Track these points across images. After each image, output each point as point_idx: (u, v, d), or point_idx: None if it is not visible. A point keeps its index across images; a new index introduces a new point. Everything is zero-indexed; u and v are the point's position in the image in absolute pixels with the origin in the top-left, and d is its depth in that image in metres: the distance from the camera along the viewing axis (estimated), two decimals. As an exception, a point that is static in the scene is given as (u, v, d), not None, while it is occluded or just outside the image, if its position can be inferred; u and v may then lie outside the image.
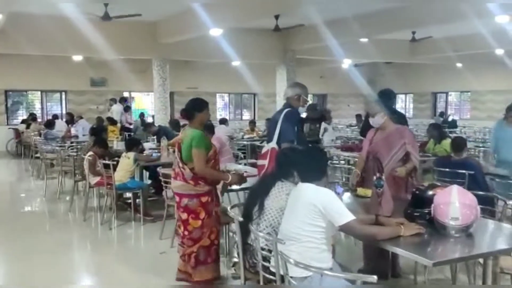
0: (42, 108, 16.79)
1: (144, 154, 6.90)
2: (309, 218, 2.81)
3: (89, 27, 10.05)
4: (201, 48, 12.12)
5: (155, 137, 9.93)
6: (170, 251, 5.33)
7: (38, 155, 10.44)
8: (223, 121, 11.06)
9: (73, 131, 12.07)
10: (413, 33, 12.61)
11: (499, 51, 13.94)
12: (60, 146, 9.78)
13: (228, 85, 19.10)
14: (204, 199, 4.02)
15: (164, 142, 7.65)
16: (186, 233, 4.08)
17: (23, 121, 14.78)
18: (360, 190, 3.89)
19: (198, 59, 14.56)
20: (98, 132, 7.43)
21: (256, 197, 3.25)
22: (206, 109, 4.16)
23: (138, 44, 11.60)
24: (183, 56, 12.98)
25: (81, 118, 13.70)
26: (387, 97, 5.95)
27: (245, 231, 3.21)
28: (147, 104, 18.88)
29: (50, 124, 11.83)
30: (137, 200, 6.60)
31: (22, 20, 10.16)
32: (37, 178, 10.15)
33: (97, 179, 6.71)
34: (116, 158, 7.24)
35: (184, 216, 4.04)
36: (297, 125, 4.45)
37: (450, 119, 17.58)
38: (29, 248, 5.56)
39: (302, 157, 3.22)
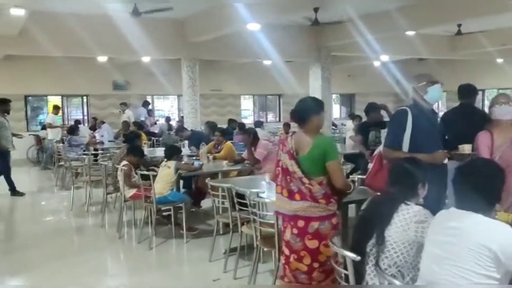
0: (63, 113, 16.18)
1: (184, 162, 6.13)
2: (480, 267, 1.97)
3: (116, 25, 9.37)
4: (231, 47, 11.38)
5: (186, 142, 9.21)
6: (225, 277, 4.55)
7: (62, 163, 9.77)
8: (258, 124, 10.25)
9: (97, 136, 11.40)
10: (459, 25, 11.70)
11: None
12: (86, 154, 9.11)
13: (253, 86, 18.34)
14: (334, 220, 3.23)
15: (203, 148, 6.89)
16: (315, 265, 3.23)
17: (43, 127, 14.16)
18: (502, 215, 2.98)
19: (228, 59, 13.80)
20: (132, 139, 6.69)
21: (371, 226, 2.43)
22: (323, 111, 3.36)
23: (166, 43, 10.88)
24: (213, 55, 12.23)
25: (103, 122, 13.05)
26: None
27: (358, 273, 2.40)
28: (166, 107, 18.22)
29: (73, 129, 11.16)
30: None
31: (44, 18, 9.53)
32: (62, 188, 9.47)
33: (133, 191, 5.96)
34: (152, 167, 6.53)
35: (314, 244, 3.19)
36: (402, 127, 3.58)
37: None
38: (57, 275, 4.81)
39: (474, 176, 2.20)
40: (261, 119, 19.01)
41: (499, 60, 16.51)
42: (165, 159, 5.84)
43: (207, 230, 6.07)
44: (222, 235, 5.82)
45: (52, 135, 11.72)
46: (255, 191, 4.07)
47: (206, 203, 7.16)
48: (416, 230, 2.33)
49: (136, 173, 5.88)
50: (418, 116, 3.57)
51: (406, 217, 2.38)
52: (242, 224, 4.53)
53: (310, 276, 3.24)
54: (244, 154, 6.56)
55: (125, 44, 9.88)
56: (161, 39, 10.73)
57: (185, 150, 8.18)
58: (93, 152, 9.61)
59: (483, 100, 19.93)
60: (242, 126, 10.48)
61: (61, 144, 10.30)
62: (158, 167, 6.46)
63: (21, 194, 8.63)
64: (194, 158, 7.10)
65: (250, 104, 20.04)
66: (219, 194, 4.69)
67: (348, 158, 8.96)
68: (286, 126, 11.77)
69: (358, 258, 2.29)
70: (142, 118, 13.20)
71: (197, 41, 10.93)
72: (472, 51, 14.17)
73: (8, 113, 8.70)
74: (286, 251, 3.32)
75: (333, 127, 14.96)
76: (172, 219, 5.81)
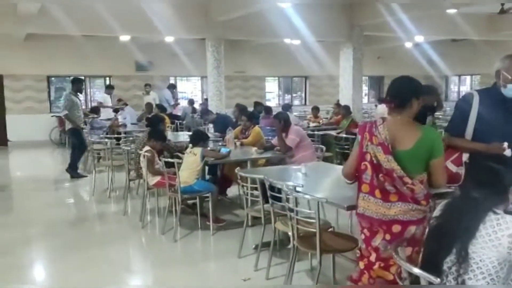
0: (86, 95, 15.95)
1: (210, 149, 5.72)
2: None
3: (138, 3, 8.95)
4: (259, 26, 10.84)
5: (210, 126, 8.82)
6: (256, 276, 4.16)
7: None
8: (286, 107, 9.75)
9: (120, 119, 11.09)
10: (502, 4, 10.91)
11: None
12: (108, 137, 8.80)
13: (277, 68, 17.77)
14: (426, 223, 2.71)
15: (230, 133, 6.47)
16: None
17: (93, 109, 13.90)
18: None
19: (255, 38, 13.25)
20: (154, 123, 6.30)
21: (450, 239, 1.98)
22: (422, 95, 2.85)
23: (190, 22, 10.40)
24: (239, 35, 11.71)
25: (126, 105, 12.74)
26: None
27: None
28: (189, 89, 17.82)
29: (95, 111, 10.88)
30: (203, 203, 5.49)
31: (64, -5, 9.16)
32: (84, 172, 9.20)
33: (157, 178, 5.61)
34: (177, 153, 6.16)
35: (407, 251, 2.66)
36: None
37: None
38: (76, 269, 4.49)
39: None
40: (286, 102, 18.53)
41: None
42: (191, 145, 5.44)
43: (234, 221, 5.70)
44: (251, 227, 5.44)
45: (105, 115, 11.40)
46: (291, 184, 3.63)
47: (232, 191, 6.80)
48: (509, 246, 1.87)
49: (160, 160, 5.51)
50: (486, 103, 3.06)
51: (496, 229, 1.92)
52: (275, 219, 4.12)
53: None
54: (274, 140, 6.12)
55: (148, 23, 9.47)
56: (185, 17, 10.27)
57: (210, 135, 7.78)
58: (116, 136, 9.29)
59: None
60: (269, 109, 10.03)
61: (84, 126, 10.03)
62: (183, 153, 6.11)
63: (81, 176, 8.56)
64: (219, 143, 6.68)
65: (275, 86, 19.50)
66: (249, 186, 4.29)
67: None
68: (315, 110, 11.28)
69: (438, 280, 1.85)
70: (169, 102, 12.78)
71: (222, 20, 10.43)
72: (507, 32, 13.30)
73: (81, 93, 8.85)
74: (372, 257, 2.83)
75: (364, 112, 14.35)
76: (198, 209, 5.44)
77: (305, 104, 19.04)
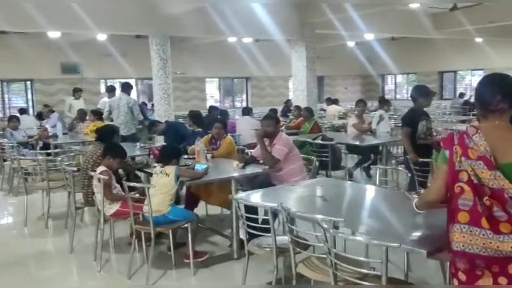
0: (2, 101, 14.02)
1: (185, 166, 4.64)
2: None
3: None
4: (205, 23, 9.80)
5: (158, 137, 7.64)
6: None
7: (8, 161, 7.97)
8: (247, 112, 8.80)
9: (48, 128, 9.55)
10: None
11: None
12: (39, 151, 7.39)
13: (218, 68, 16.82)
14: None
15: (200, 145, 5.42)
16: None
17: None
18: None
19: (202, 36, 12.17)
20: (107, 135, 5.09)
21: None
22: None
23: (129, 17, 9.15)
24: (186, 32, 10.58)
25: (53, 111, 11.13)
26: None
27: None
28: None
29: (14, 120, 9.25)
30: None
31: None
32: (8, 194, 7.68)
33: (116, 207, 4.45)
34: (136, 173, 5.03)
35: None
36: None
37: (472, 100, 15.94)
38: None
39: None
40: (220, 104, 17.51)
41: (478, 40, 15.87)
42: (161, 164, 4.34)
43: (215, 253, 4.69)
44: (237, 259, 4.49)
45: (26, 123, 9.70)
46: (327, 218, 2.72)
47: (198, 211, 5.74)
48: None
49: (122, 183, 4.36)
50: None
51: None
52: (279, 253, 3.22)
53: None
54: (255, 151, 5.16)
55: (77, 17, 8.14)
56: (124, 11, 9.02)
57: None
58: (48, 150, 7.86)
59: (455, 82, 19.45)
60: (225, 113, 9.01)
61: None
62: (146, 172, 5.01)
63: None
64: (186, 158, 5.61)
65: (214, 88, 18.50)
66: (243, 214, 3.35)
67: (352, 149, 7.77)
68: (272, 112, 10.41)
69: None
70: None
71: (167, 15, 9.29)
72: (455, 29, 13.31)
73: None
74: None
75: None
76: (171, 243, 4.35)
77: (247, 106, 18.20)
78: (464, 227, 2.11)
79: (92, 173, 4.52)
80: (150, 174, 5.21)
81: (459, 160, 2.15)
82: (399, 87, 21.78)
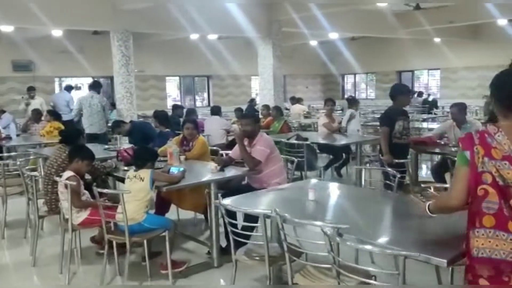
0: None
1: (160, 169, 4.32)
2: None
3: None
4: (167, 19, 9.42)
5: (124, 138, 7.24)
6: None
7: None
8: (216, 111, 8.49)
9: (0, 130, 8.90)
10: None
11: (502, 21, 12.68)
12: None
13: (178, 66, 16.39)
14: None
15: (173, 146, 5.11)
16: None
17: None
18: None
19: (165, 32, 11.73)
20: (73, 137, 4.69)
21: None
22: None
23: (89, 11, 8.66)
24: (148, 28, 10.16)
25: (3, 111, 10.43)
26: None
27: None
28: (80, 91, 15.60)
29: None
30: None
31: None
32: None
33: (85, 215, 4.10)
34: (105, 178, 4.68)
35: None
36: None
37: (430, 98, 16.32)
38: None
39: None
40: (181, 103, 17.08)
41: (437, 40, 16.23)
42: (134, 168, 4.02)
43: (193, 261, 4.40)
44: (217, 268, 4.23)
45: None
46: (329, 225, 2.51)
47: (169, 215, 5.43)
48: None
49: (91, 189, 4.00)
50: None
51: None
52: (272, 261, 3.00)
53: None
54: (233, 152, 4.90)
55: (29, 11, 7.60)
56: (81, 5, 8.51)
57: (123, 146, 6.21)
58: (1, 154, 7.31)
59: (413, 81, 19.83)
60: (192, 112, 8.65)
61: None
62: (110, 176, 4.66)
63: None
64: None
65: (174, 86, 18.04)
66: (227, 220, 3.11)
67: (323, 148, 7.66)
68: (239, 111, 10.19)
69: None
70: (69, 106, 10.54)
71: (128, 9, 8.87)
72: (416, 29, 13.52)
73: None
74: None
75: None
76: (146, 253, 4.03)
77: (209, 105, 17.87)
78: (490, 232, 2.00)
79: (58, 179, 4.13)
80: (119, 179, 4.88)
81: (482, 161, 2.02)
82: (358, 87, 22.03)
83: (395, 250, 2.21)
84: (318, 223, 2.64)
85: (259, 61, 11.24)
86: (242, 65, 16.32)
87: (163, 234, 3.88)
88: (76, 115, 8.84)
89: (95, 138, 8.30)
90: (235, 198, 3.57)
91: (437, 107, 15.48)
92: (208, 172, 4.55)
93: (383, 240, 2.49)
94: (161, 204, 5.19)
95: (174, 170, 4.29)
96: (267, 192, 3.84)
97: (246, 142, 4.73)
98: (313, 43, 17.26)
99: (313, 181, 4.21)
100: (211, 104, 17.84)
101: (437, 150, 5.73)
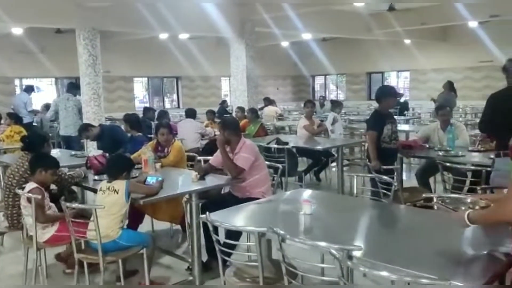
0: None
1: (135, 179, 3.93)
2: None
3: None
4: (136, 18, 8.98)
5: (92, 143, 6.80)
6: None
7: None
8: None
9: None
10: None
11: (473, 23, 12.80)
12: None
13: (147, 67, 15.88)
14: None
15: (149, 152, 4.73)
16: None
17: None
18: None
19: (133, 30, 11.20)
20: (38, 144, 4.24)
21: None
22: None
23: (52, 7, 8.11)
24: (116, 26, 9.64)
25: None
26: None
27: None
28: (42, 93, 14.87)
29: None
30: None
31: None
32: None
33: (52, 231, 3.68)
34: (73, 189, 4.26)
35: None
36: None
37: (402, 100, 16.31)
38: None
39: None
40: (149, 105, 16.53)
41: (407, 41, 16.29)
42: (108, 179, 3.63)
43: (172, 280, 4.04)
44: (199, 286, 3.89)
45: None
46: (337, 247, 2.22)
47: (143, 227, 5.04)
48: None
49: (58, 202, 3.58)
50: None
51: None
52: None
53: None
54: (214, 159, 4.56)
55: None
56: (43, 2, 7.96)
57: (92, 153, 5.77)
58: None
59: (382, 82, 19.90)
60: (192, 111, 8.12)
61: None
62: (79, 186, 4.26)
63: None
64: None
65: (142, 88, 17.49)
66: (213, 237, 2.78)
67: (301, 152, 7.38)
68: (211, 113, 9.83)
69: None
70: (27, 108, 9.94)
71: (94, 6, 8.38)
72: (388, 30, 13.48)
73: None
74: None
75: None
76: (121, 272, 3.64)
77: (178, 107, 17.41)
78: None
79: (19, 192, 3.69)
80: (89, 189, 4.47)
81: None
82: (328, 88, 21.99)
83: (419, 275, 1.93)
84: (322, 243, 2.34)
85: (232, 61, 10.90)
86: (213, 66, 15.96)
87: (141, 251, 3.51)
88: (52, 116, 9.00)
89: (69, 140, 8.31)
90: (221, 212, 3.23)
91: (408, 109, 15.52)
92: (187, 180, 4.19)
93: (399, 261, 2.20)
94: (134, 216, 4.78)
95: (151, 179, 3.92)
96: (256, 205, 3.51)
97: (228, 148, 4.41)
98: (285, 44, 17.06)
99: (306, 191, 3.91)
100: (181, 106, 17.43)
101: (423, 154, 5.54)
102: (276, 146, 6.24)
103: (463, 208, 2.39)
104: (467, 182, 4.93)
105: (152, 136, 7.44)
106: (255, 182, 4.32)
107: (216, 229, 2.91)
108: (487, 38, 13.79)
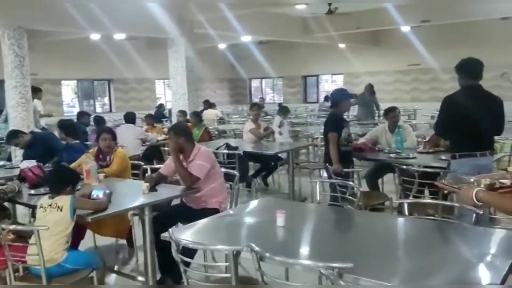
0: None
1: (80, 194, 3.50)
2: None
3: None
4: (67, 17, 8.34)
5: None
6: None
7: None
8: (130, 118, 7.55)
9: None
10: (329, 4, 10.88)
11: (405, 28, 13.27)
12: None
13: (76, 69, 15.01)
14: None
15: (91, 161, 4.30)
16: None
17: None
18: None
19: (64, 30, 10.41)
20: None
21: None
22: None
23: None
24: (45, 25, 8.91)
25: None
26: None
27: None
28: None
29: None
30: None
31: None
32: None
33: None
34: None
35: None
36: None
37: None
38: None
39: None
40: (79, 109, 15.65)
41: (341, 45, 16.64)
42: (50, 195, 3.21)
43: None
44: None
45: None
46: (311, 263, 2.02)
47: (85, 245, 4.60)
48: None
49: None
50: None
51: None
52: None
53: None
54: (166, 167, 4.23)
55: None
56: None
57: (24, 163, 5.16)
58: None
59: (318, 86, 20.22)
60: (100, 120, 7.68)
61: None
62: (12, 203, 3.80)
63: None
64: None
65: (71, 91, 16.53)
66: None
67: (250, 157, 7.17)
68: (150, 118, 9.34)
69: None
70: None
71: (20, 4, 7.68)
72: (322, 34, 13.65)
73: None
74: None
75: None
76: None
77: (110, 111, 16.62)
78: None
79: None
80: (24, 204, 3.99)
81: None
82: (264, 91, 22.01)
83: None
84: (305, 262, 2.13)
85: (170, 63, 10.49)
86: (147, 67, 15.38)
87: (90, 274, 3.12)
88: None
89: None
90: (183, 229, 2.93)
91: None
92: (135, 192, 3.84)
93: (393, 276, 2.04)
94: (74, 232, 4.35)
95: (97, 192, 3.52)
96: (219, 219, 3.23)
97: (181, 157, 4.10)
98: (222, 46, 16.83)
99: (269, 200, 3.69)
100: (113, 110, 16.66)
101: (374, 157, 5.53)
102: (226, 151, 5.99)
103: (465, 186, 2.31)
104: (416, 184, 4.93)
105: (89, 143, 6.93)
106: (211, 191, 4.05)
107: (179, 248, 2.62)
108: (418, 42, 14.36)
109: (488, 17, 12.04)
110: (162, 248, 3.80)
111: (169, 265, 3.95)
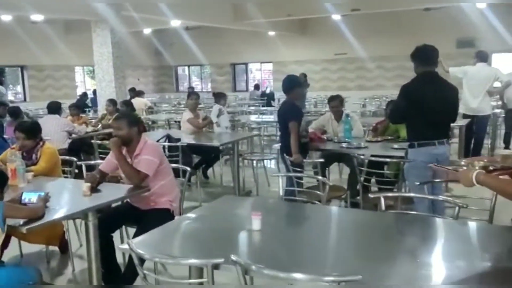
0: None
1: (10, 200, 2.93)
2: None
3: None
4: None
5: None
6: None
7: None
8: (55, 108, 6.61)
9: None
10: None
11: (336, 17, 13.32)
12: None
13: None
14: None
15: (18, 160, 3.70)
16: None
17: None
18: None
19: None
20: None
21: None
22: None
23: None
24: None
25: None
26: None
27: None
28: None
29: None
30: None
31: None
32: None
33: None
34: None
35: None
36: None
37: (268, 91, 16.53)
38: None
39: None
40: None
41: (271, 33, 16.47)
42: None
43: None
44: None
45: None
46: (310, 277, 1.74)
47: (9, 255, 4.00)
48: None
49: None
50: None
51: None
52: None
53: None
54: (107, 164, 3.72)
55: None
56: None
57: None
58: None
59: (247, 74, 19.97)
60: (17, 111, 6.84)
61: None
62: None
63: None
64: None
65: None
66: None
67: (192, 149, 6.73)
68: (75, 109, 8.53)
69: None
70: None
71: None
72: (254, 21, 13.37)
73: None
74: None
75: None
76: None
77: (25, 100, 15.22)
78: None
79: None
80: None
81: None
82: (191, 79, 21.42)
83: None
84: (298, 275, 1.82)
85: (95, 48, 9.67)
86: (68, 53, 14.27)
87: (26, 295, 2.61)
88: None
89: None
90: (145, 239, 2.50)
91: (274, 99, 15.74)
92: (72, 193, 3.34)
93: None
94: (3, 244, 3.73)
95: (30, 196, 2.97)
96: (182, 224, 2.82)
97: (124, 150, 3.63)
98: (147, 31, 16.01)
99: (232, 199, 3.34)
100: (27, 99, 15.30)
101: (324, 147, 5.35)
102: (168, 144, 5.52)
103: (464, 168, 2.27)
104: (363, 173, 4.81)
105: (6, 137, 6.14)
106: (160, 190, 3.63)
107: (142, 261, 2.20)
108: (346, 31, 14.53)
109: (412, 7, 12.40)
110: (106, 256, 3.35)
111: (114, 274, 3.51)
